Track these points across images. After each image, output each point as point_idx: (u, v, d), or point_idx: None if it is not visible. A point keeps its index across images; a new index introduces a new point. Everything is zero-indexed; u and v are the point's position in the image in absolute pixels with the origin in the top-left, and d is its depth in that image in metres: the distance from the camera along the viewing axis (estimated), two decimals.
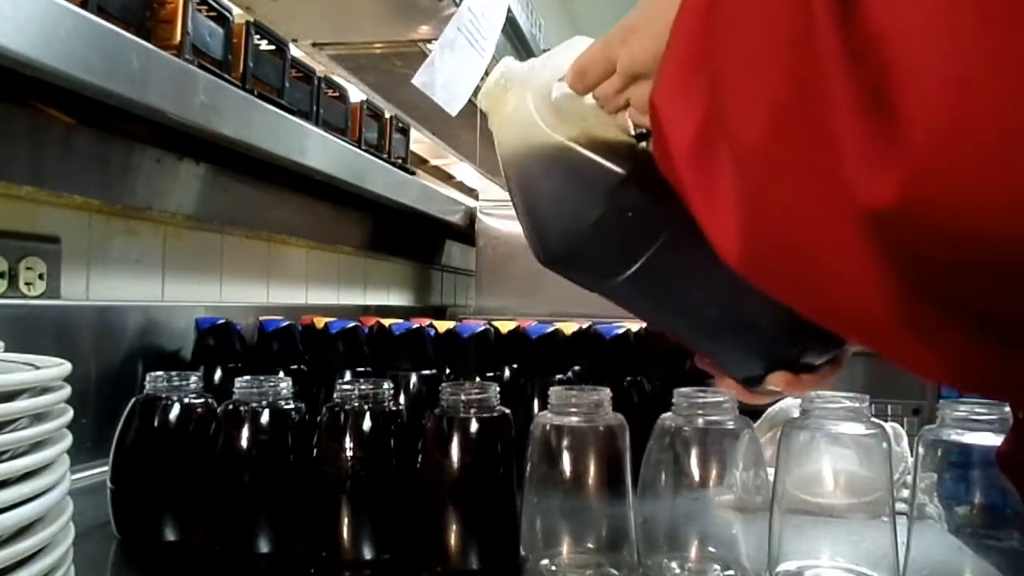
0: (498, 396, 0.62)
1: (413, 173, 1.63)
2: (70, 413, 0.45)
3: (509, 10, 1.45)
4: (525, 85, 0.50)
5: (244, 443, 0.62)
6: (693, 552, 0.58)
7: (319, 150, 1.15)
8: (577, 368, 0.86)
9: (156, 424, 0.67)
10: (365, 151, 1.36)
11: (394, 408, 0.63)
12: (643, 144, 0.47)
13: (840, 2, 0.26)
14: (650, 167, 0.40)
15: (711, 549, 0.58)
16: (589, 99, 0.50)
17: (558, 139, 0.48)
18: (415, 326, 0.87)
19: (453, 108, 1.27)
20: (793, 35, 0.29)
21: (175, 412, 0.67)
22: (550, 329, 0.86)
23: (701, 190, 0.35)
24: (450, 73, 1.24)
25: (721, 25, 0.33)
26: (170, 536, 0.66)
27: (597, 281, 0.50)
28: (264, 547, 0.62)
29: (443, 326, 0.92)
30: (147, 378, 0.69)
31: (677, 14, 0.37)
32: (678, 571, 0.57)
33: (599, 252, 0.48)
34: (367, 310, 1.63)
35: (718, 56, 0.33)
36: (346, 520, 0.60)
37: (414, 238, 1.91)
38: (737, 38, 0.32)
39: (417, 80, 1.20)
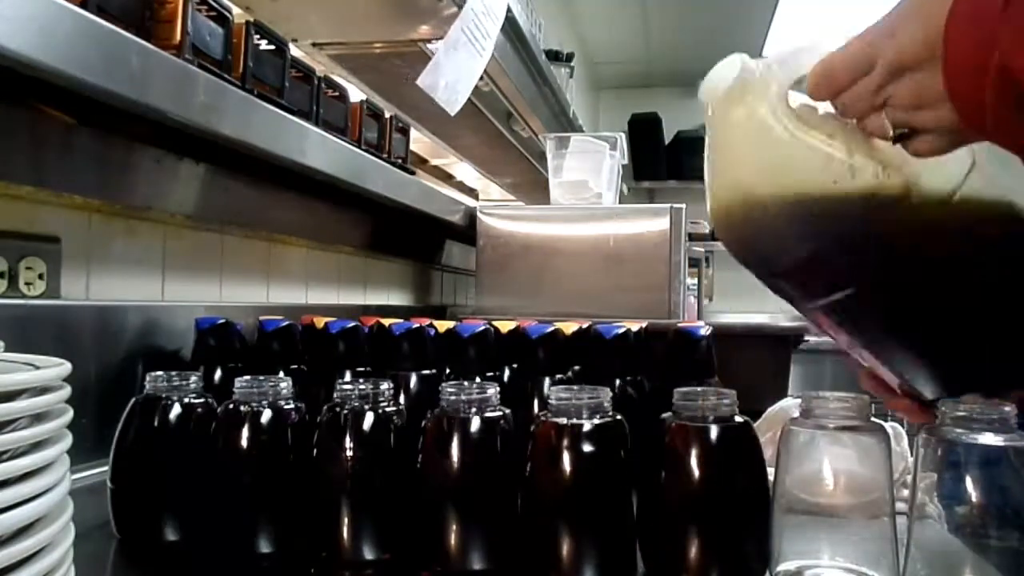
0: (498, 396, 0.62)
1: (413, 173, 1.63)
2: (70, 413, 0.45)
3: (509, 9, 1.45)
4: (761, 89, 0.50)
5: (244, 443, 0.62)
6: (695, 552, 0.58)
7: (319, 150, 1.15)
8: (577, 368, 0.86)
9: (156, 424, 0.67)
10: (365, 151, 1.36)
11: (394, 408, 0.63)
12: (898, 144, 0.47)
13: None
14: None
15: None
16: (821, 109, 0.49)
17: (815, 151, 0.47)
18: (415, 326, 0.87)
19: (453, 108, 1.28)
20: None
21: (175, 412, 0.67)
22: (550, 329, 0.86)
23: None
24: (452, 73, 1.24)
25: None
26: (170, 536, 0.66)
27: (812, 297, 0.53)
28: (264, 547, 0.62)
29: (443, 326, 0.92)
30: (147, 378, 0.69)
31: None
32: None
33: (819, 269, 0.51)
34: (367, 310, 1.63)
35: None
36: (346, 520, 0.60)
37: (414, 238, 1.91)
38: None
39: (422, 81, 1.21)
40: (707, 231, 5.42)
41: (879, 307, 0.52)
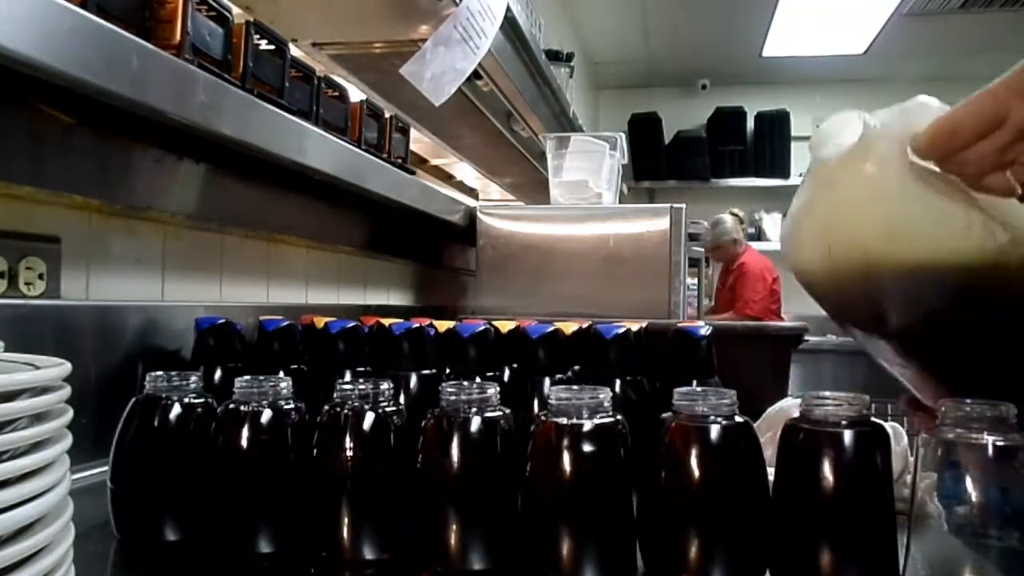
0: (498, 396, 0.62)
1: (413, 173, 1.63)
2: (70, 413, 0.45)
3: (509, 9, 1.45)
4: (888, 149, 0.49)
5: (244, 443, 0.62)
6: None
7: (319, 150, 1.15)
8: (577, 368, 0.86)
9: (156, 424, 0.67)
10: (365, 151, 1.36)
11: (394, 408, 0.63)
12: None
13: None
14: None
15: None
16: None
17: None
18: (415, 326, 0.87)
19: (438, 99, 1.30)
20: None
21: (175, 412, 0.67)
22: (550, 329, 0.86)
23: None
24: (440, 67, 1.26)
25: None
26: (170, 536, 0.66)
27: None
28: (264, 547, 0.62)
29: (443, 326, 0.92)
30: (147, 378, 0.69)
31: None
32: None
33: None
34: (367, 310, 1.63)
35: None
36: (346, 520, 0.60)
37: (414, 238, 1.91)
38: None
39: (406, 70, 1.22)
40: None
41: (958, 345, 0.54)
